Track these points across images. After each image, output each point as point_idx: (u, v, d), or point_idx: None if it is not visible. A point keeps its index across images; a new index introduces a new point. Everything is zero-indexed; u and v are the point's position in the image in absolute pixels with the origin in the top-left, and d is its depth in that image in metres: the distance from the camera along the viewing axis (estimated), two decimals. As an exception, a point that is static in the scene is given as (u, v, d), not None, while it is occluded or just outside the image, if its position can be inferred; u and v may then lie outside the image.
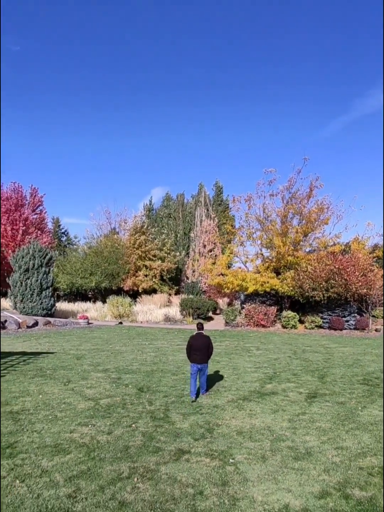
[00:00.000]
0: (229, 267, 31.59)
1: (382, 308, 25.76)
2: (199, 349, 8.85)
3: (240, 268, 29.26)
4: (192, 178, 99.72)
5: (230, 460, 5.65)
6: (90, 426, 6.88)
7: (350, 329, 23.70)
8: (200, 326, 9.42)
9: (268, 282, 25.01)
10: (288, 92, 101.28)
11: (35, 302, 24.70)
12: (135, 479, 5.01)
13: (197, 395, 8.80)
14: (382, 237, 27.87)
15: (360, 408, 8.20)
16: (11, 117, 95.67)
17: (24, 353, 13.73)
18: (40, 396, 8.57)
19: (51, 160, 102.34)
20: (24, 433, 6.48)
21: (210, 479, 5.08)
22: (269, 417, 7.53)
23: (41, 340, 17.30)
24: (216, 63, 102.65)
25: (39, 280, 24.90)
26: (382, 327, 23.25)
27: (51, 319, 23.82)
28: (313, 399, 8.76)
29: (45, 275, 25.32)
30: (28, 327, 21.93)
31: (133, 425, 6.94)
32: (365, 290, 22.70)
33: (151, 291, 38.41)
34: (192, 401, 8.44)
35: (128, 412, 7.66)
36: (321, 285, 22.81)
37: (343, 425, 7.15)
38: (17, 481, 4.89)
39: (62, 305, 32.10)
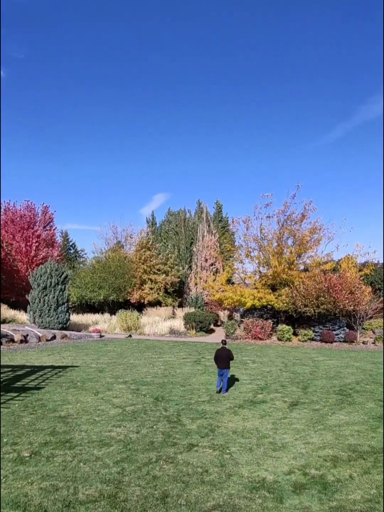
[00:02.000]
0: (229, 282, 33.84)
1: (371, 320, 27.99)
2: (222, 359, 12.20)
3: (239, 284, 31.51)
4: (193, 183, 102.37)
5: (227, 451, 7.87)
6: (122, 427, 9.10)
7: (340, 341, 25.90)
8: (224, 342, 13.02)
9: (264, 298, 27.26)
10: (289, 98, 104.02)
11: (52, 317, 26.97)
12: (161, 463, 7.24)
13: (220, 390, 12.33)
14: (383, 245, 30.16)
15: (330, 414, 10.41)
16: (11, 120, 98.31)
17: (53, 367, 15.96)
18: (78, 404, 10.81)
19: (52, 166, 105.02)
20: (75, 432, 8.71)
21: (212, 463, 7.30)
22: (258, 420, 9.75)
23: (63, 354, 19.54)
24: (215, 69, 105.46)
25: (55, 297, 27.20)
26: (382, 338, 24.88)
27: (67, 333, 26.06)
28: (294, 407, 10.98)
29: (61, 292, 27.62)
30: (47, 340, 24.16)
31: (154, 427, 9.16)
32: (352, 307, 24.93)
33: (156, 303, 40.65)
34: (217, 392, 12.22)
35: (149, 417, 9.89)
36: (312, 302, 25.04)
37: (313, 427, 9.36)
38: (81, 464, 7.12)
39: (74, 317, 34.28)
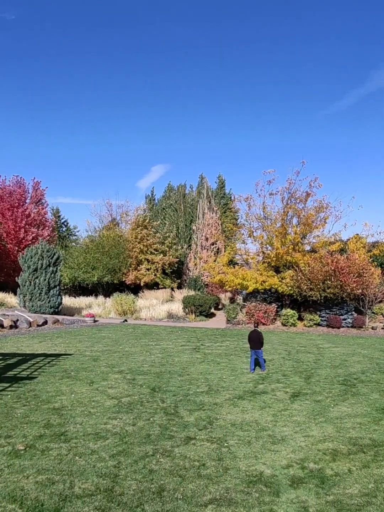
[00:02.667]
0: (230, 264, 34.21)
1: (381, 304, 28.44)
2: (254, 340, 14.40)
3: (241, 265, 31.86)
4: (195, 154, 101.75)
5: (225, 444, 8.29)
6: (118, 419, 9.53)
7: (347, 327, 26.40)
8: (255, 325, 15.53)
9: (267, 281, 27.63)
10: (297, 64, 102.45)
11: (43, 300, 27.42)
12: (158, 456, 7.66)
13: (256, 367, 14.59)
14: None
15: (332, 405, 10.85)
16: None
17: (45, 355, 16.41)
18: (73, 395, 11.24)
19: (43, 135, 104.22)
20: (69, 425, 9.14)
21: (210, 456, 7.72)
22: (258, 412, 10.19)
23: (55, 341, 20.00)
24: (219, 32, 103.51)
25: (47, 279, 27.58)
26: None
27: (59, 317, 26.54)
28: (296, 398, 11.42)
29: (52, 274, 27.99)
30: (38, 325, 24.64)
31: (151, 419, 9.59)
32: (360, 290, 25.32)
33: (153, 285, 41.16)
34: (251, 373, 14.12)
35: (145, 408, 10.32)
36: (318, 286, 25.42)
37: (314, 419, 9.80)
38: (77, 457, 7.54)
39: (66, 300, 34.73)
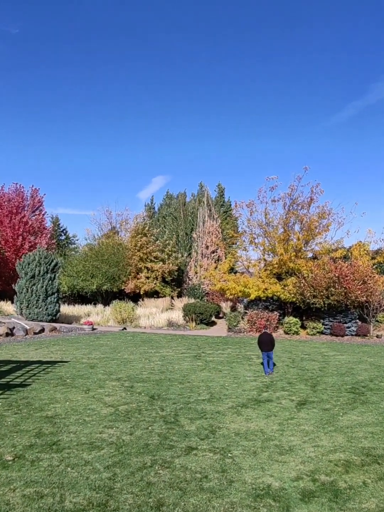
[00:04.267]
0: (232, 271, 33.66)
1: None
2: (265, 342, 14.56)
3: (242, 273, 31.35)
4: (193, 167, 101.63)
5: (229, 454, 7.73)
6: (114, 428, 8.97)
7: (352, 335, 25.79)
8: (265, 328, 17.11)
9: (269, 289, 27.09)
10: (300, 77, 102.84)
11: (40, 308, 26.86)
12: (156, 467, 7.09)
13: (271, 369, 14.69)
14: None
15: (341, 414, 10.28)
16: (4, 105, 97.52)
17: (41, 362, 15.84)
18: (67, 403, 10.68)
19: (44, 146, 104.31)
20: (63, 434, 8.57)
21: (213, 468, 7.16)
22: (263, 421, 9.62)
23: (52, 348, 19.43)
24: (219, 43, 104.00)
25: (44, 287, 27.05)
26: None
27: (57, 325, 25.96)
28: (302, 406, 10.84)
29: (50, 281, 27.47)
30: (35, 333, 24.07)
31: (150, 428, 9.03)
32: (364, 298, 24.77)
33: (153, 294, 40.55)
34: (268, 374, 14.34)
35: (144, 417, 9.75)
36: (322, 293, 24.88)
37: (323, 428, 9.23)
38: (69, 468, 6.98)
39: (64, 309, 34.19)
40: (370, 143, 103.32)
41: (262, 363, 15.32)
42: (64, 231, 61.28)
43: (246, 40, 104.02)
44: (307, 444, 8.33)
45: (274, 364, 15.34)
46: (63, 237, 60.27)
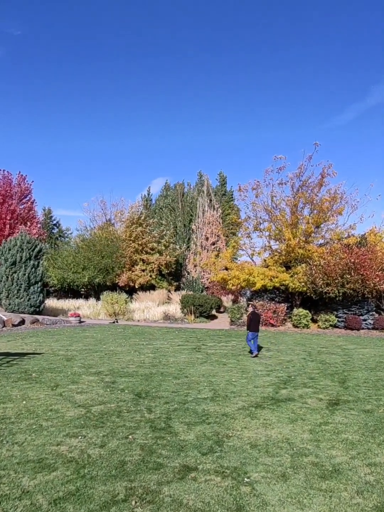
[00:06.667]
0: (234, 261, 31.04)
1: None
2: (256, 321, 13.99)
3: (246, 262, 28.72)
4: (195, 168, 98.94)
5: (245, 479, 5.12)
6: (80, 437, 6.35)
7: (368, 328, 23.16)
8: (253, 307, 15.30)
9: (277, 277, 24.50)
10: (300, 79, 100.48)
11: (22, 298, 24.18)
12: (133, 503, 4.49)
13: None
14: None
15: (390, 416, 7.67)
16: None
17: (8, 354, 13.22)
18: (24, 402, 8.04)
19: (44, 147, 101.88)
20: (3, 446, 5.95)
21: (222, 502, 4.56)
22: (287, 427, 7.00)
23: (27, 340, 16.79)
24: (221, 45, 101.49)
25: (27, 274, 24.37)
26: None
27: (39, 317, 23.31)
28: (336, 407, 8.23)
29: (33, 269, 24.79)
30: (13, 325, 21.42)
31: (130, 437, 6.42)
32: (383, 286, 22.17)
33: (148, 287, 37.82)
34: (255, 356, 13.75)
35: (124, 421, 7.14)
36: (336, 280, 22.28)
37: (373, 437, 6.62)
38: (-9, 505, 4.36)
39: (52, 302, 31.60)
40: (371, 146, 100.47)
41: (264, 356, 13.11)
42: (57, 224, 58.56)
43: (246, 39, 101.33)
44: (357, 461, 5.73)
45: (260, 347, 15.22)
46: (55, 230, 57.52)
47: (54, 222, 58.40)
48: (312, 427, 7.06)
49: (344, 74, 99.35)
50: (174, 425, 6.97)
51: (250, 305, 15.48)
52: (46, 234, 46.23)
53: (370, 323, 23.29)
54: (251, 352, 14.09)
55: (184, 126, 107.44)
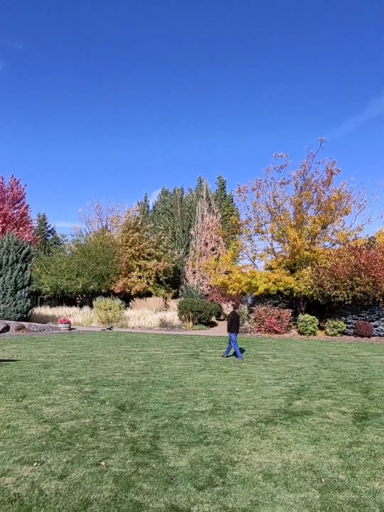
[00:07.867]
0: (235, 264, 29.47)
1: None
2: (237, 322, 13.41)
3: (247, 265, 27.16)
4: (194, 174, 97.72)
5: (259, 529, 3.55)
6: (35, 464, 4.78)
7: (380, 335, 21.54)
8: (234, 306, 14.83)
9: (281, 280, 22.92)
10: (299, 91, 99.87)
11: (7, 303, 22.57)
12: None
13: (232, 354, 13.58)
14: None
15: None
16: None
17: (-22, 361, 11.64)
18: (-23, 416, 6.47)
19: (43, 160, 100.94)
20: None
21: None
22: (309, 449, 5.43)
23: (6, 347, 15.19)
24: (221, 57, 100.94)
25: (13, 278, 22.79)
26: None
27: (26, 324, 21.67)
28: (365, 422, 6.65)
29: (20, 272, 23.22)
30: (-3, 332, 19.81)
31: (103, 463, 4.84)
32: (397, 289, 20.61)
33: (145, 294, 36.17)
34: (226, 356, 13.37)
35: (98, 441, 5.56)
36: (345, 283, 20.72)
37: None
38: None
39: (44, 310, 30.01)
40: (369, 158, 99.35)
41: (261, 357, 11.66)
42: (52, 231, 57.10)
43: (246, 48, 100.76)
44: (411, 498, 4.15)
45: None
46: (50, 237, 56.02)
47: (49, 228, 56.98)
48: (340, 448, 5.48)
49: (343, 86, 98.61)
50: (162, 447, 5.39)
51: (231, 305, 14.50)
52: (40, 240, 44.78)
53: (382, 330, 21.67)
54: (236, 355, 13.34)
55: (185, 136, 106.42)
